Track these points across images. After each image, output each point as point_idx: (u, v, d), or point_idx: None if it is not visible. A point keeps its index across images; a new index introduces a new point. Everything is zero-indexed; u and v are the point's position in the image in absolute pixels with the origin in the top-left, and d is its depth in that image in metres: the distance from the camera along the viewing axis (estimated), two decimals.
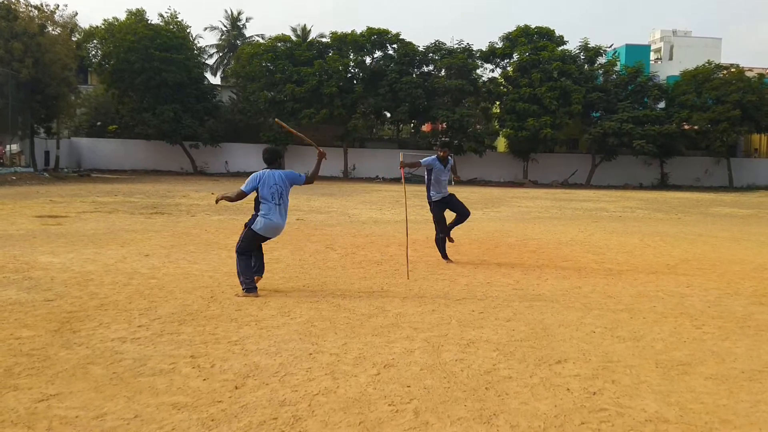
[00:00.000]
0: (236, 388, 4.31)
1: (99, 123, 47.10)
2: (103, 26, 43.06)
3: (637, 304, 7.13)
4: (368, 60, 45.81)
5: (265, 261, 7.75)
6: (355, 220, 16.27)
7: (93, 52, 44.18)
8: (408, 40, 45.23)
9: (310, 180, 7.61)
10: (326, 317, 6.23)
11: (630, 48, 58.89)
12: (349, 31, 45.05)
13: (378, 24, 63.79)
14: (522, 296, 7.42)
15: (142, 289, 7.25)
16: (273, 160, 7.47)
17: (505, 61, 46.58)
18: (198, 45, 49.10)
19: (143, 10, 43.85)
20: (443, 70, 45.33)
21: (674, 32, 67.97)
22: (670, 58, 64.54)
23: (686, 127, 45.51)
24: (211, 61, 63.84)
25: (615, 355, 5.21)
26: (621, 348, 5.43)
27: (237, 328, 5.76)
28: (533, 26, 45.88)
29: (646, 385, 4.54)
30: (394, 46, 45.23)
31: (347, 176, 45.48)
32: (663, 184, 47.51)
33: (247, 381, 4.44)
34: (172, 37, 42.71)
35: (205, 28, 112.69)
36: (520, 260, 10.24)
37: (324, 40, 47.30)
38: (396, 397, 4.19)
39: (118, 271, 8.35)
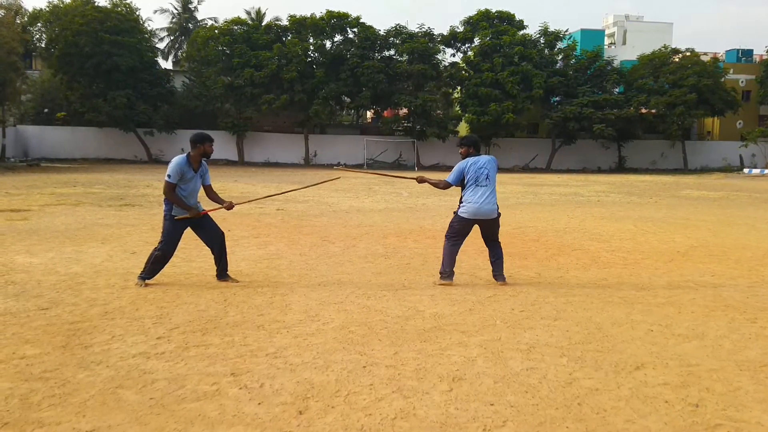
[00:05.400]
0: (300, 413, 3.75)
1: (46, 110, 44.94)
2: (47, 9, 41.03)
3: (675, 297, 6.79)
4: (328, 44, 44.85)
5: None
6: (337, 209, 15.68)
7: (38, 36, 42.12)
8: (368, 23, 44.49)
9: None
10: (360, 321, 5.68)
11: (585, 33, 59.44)
12: (308, 15, 44.03)
13: (334, 6, 62.17)
14: (554, 291, 7.01)
15: (145, 293, 6.57)
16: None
17: (467, 45, 46.31)
18: (148, 28, 47.31)
19: None
20: (405, 54, 44.68)
21: (627, 17, 68.95)
22: (624, 43, 65.46)
23: (643, 111, 46.13)
24: (161, 45, 61.77)
25: (690, 358, 4.82)
26: (691, 349, 5.05)
27: (269, 337, 5.17)
28: (494, 10, 45.66)
29: (744, 393, 4.16)
30: (355, 30, 44.40)
31: (308, 163, 44.64)
32: (621, 167, 48.16)
33: (308, 404, 3.88)
34: (123, 20, 41.01)
35: (155, 11, 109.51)
36: (528, 250, 9.86)
37: (282, 23, 46.09)
38: (486, 419, 3.69)
39: (109, 272, 7.62)
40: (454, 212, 7.45)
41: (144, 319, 5.60)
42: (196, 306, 6.09)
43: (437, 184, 7.48)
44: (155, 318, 5.65)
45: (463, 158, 7.39)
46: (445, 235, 7.47)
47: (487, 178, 7.20)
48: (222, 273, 7.30)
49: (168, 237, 6.96)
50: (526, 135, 50.65)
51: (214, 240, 7.23)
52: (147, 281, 6.90)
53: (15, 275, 7.30)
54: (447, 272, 7.30)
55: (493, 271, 7.43)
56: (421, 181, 7.68)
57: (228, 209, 7.26)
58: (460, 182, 7.28)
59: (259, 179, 27.70)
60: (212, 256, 7.36)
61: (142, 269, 6.99)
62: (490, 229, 7.39)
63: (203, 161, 7.15)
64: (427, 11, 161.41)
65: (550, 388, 4.18)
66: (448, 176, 7.36)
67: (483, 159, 7.32)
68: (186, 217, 6.89)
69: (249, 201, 7.55)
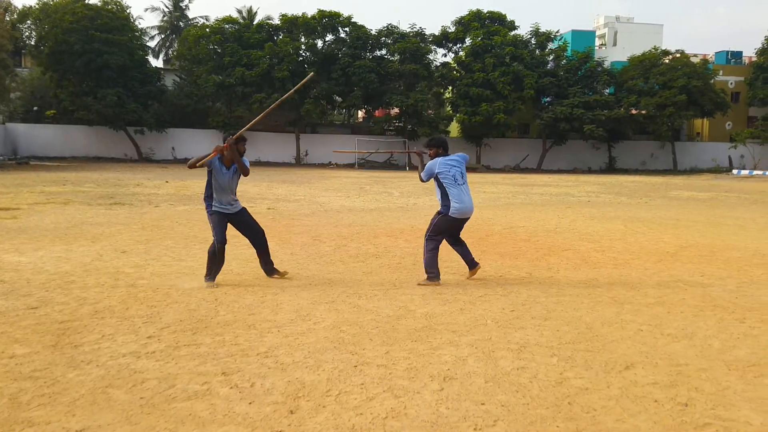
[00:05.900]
0: (291, 412, 3.75)
1: (36, 108, 44.65)
2: (37, 6, 40.77)
3: (665, 297, 6.83)
4: (320, 44, 44.81)
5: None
6: (328, 209, 15.67)
7: (27, 34, 41.85)
8: (360, 23, 44.45)
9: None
10: (351, 321, 5.69)
11: (576, 34, 59.62)
12: (300, 14, 43.96)
13: (325, 5, 61.81)
14: (544, 291, 7.03)
15: (135, 292, 6.55)
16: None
17: (458, 45, 46.38)
18: (139, 26, 47.06)
19: None
20: (396, 54, 44.69)
21: (617, 18, 69.21)
22: (614, 44, 65.75)
23: (634, 111, 46.36)
24: (152, 44, 61.49)
25: (679, 357, 4.85)
26: (680, 349, 5.08)
27: (259, 337, 5.17)
28: (485, 11, 45.75)
29: (733, 392, 4.19)
30: (346, 29, 44.38)
31: (300, 162, 44.57)
32: (611, 167, 48.36)
33: (299, 403, 3.88)
34: (114, 18, 40.77)
35: (146, 9, 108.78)
36: (519, 250, 9.89)
37: (273, 22, 45.97)
38: (477, 419, 3.70)
39: (99, 271, 7.59)
40: (439, 212, 7.44)
41: (134, 319, 5.58)
42: (187, 305, 6.08)
43: (420, 174, 7.56)
44: (145, 317, 5.63)
45: (432, 159, 7.46)
46: (428, 236, 7.42)
47: (462, 175, 7.32)
48: (269, 269, 7.43)
49: (217, 229, 7.06)
50: (517, 135, 50.78)
51: (255, 237, 7.35)
52: (215, 282, 6.98)
53: (4, 274, 7.25)
54: (434, 272, 7.29)
55: (468, 263, 7.59)
56: (419, 154, 7.88)
57: (228, 143, 7.01)
58: (429, 180, 7.40)
59: (250, 178, 27.62)
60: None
61: (206, 272, 7.04)
62: (463, 225, 7.57)
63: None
64: (418, 11, 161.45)
65: (540, 388, 4.20)
66: (422, 173, 7.42)
67: (454, 157, 7.39)
68: (207, 160, 6.93)
69: (245, 128, 7.54)
